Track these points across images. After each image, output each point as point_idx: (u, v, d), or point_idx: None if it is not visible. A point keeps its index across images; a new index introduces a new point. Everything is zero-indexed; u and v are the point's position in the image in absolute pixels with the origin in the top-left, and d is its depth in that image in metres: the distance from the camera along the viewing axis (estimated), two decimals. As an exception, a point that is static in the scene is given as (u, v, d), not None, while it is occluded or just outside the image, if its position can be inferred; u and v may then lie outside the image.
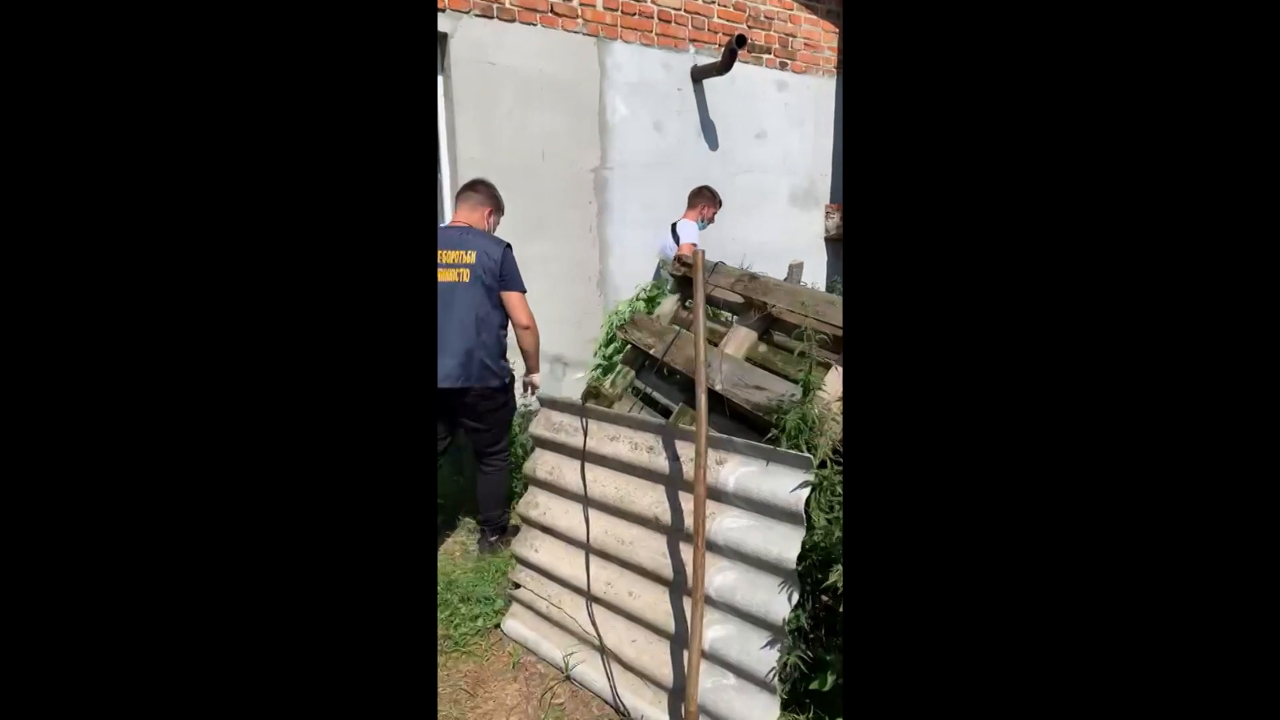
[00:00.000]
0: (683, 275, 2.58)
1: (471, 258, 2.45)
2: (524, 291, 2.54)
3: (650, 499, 1.85)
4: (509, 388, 2.64)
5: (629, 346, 2.61)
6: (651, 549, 1.83)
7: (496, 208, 2.67)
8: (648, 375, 2.62)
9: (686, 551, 1.75)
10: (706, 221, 3.60)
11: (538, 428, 2.23)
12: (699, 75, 3.84)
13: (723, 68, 3.71)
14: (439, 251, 2.46)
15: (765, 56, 4.14)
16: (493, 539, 2.78)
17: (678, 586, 1.76)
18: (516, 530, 2.71)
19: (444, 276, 2.44)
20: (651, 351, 2.38)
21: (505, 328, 2.58)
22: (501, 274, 2.48)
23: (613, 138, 3.64)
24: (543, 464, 2.19)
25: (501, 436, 2.67)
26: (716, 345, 2.24)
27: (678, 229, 3.49)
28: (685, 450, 1.80)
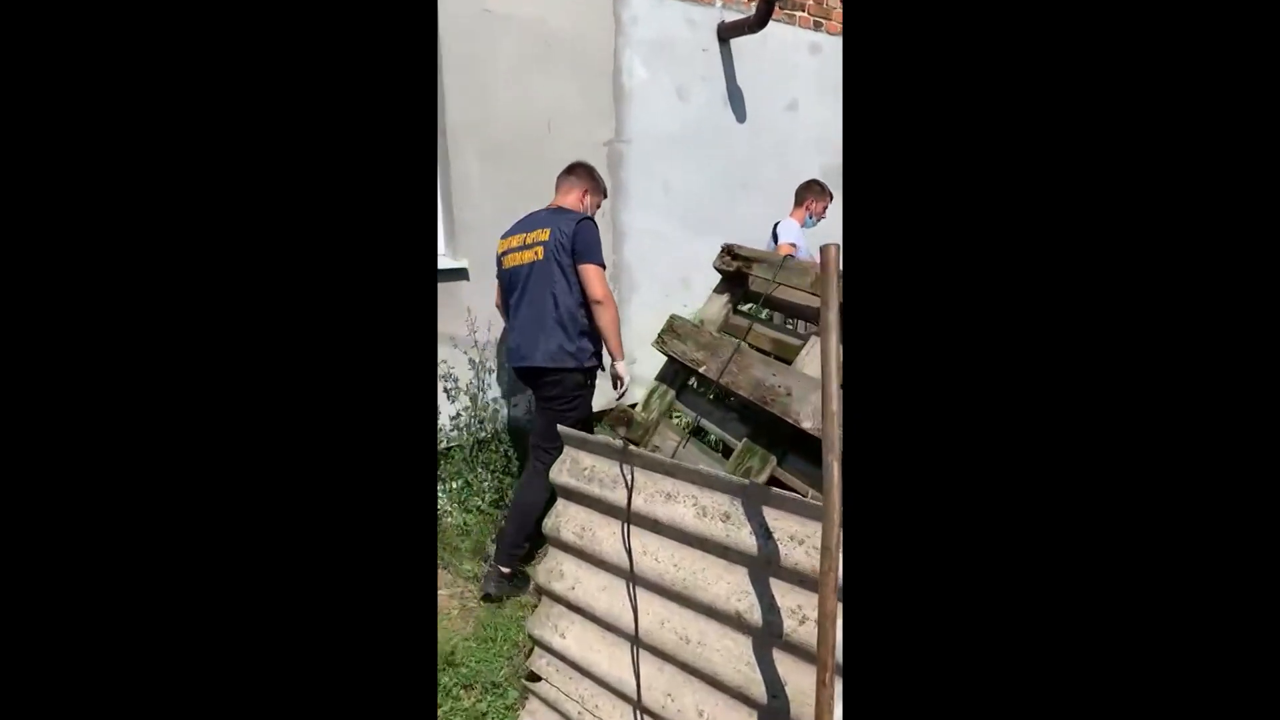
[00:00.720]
0: (735, 270, 2.07)
1: (546, 235, 2.33)
2: (600, 265, 2.33)
3: (728, 585, 1.35)
4: (586, 376, 2.40)
5: (666, 360, 2.11)
6: (731, 655, 1.33)
7: (594, 188, 2.52)
8: (690, 397, 2.12)
9: (786, 664, 1.26)
10: (816, 218, 3.11)
11: (561, 474, 1.72)
12: (726, 34, 3.31)
13: (756, 24, 3.19)
14: (522, 235, 2.37)
15: (798, 15, 3.62)
16: (505, 570, 2.37)
17: (776, 714, 1.27)
18: (528, 581, 2.24)
19: (523, 258, 2.36)
20: (702, 370, 1.87)
21: (587, 305, 2.38)
22: (574, 248, 2.30)
23: (629, 105, 3.10)
24: (569, 522, 1.68)
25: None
26: (790, 363, 1.75)
27: (779, 230, 2.99)
28: (778, 522, 1.30)
